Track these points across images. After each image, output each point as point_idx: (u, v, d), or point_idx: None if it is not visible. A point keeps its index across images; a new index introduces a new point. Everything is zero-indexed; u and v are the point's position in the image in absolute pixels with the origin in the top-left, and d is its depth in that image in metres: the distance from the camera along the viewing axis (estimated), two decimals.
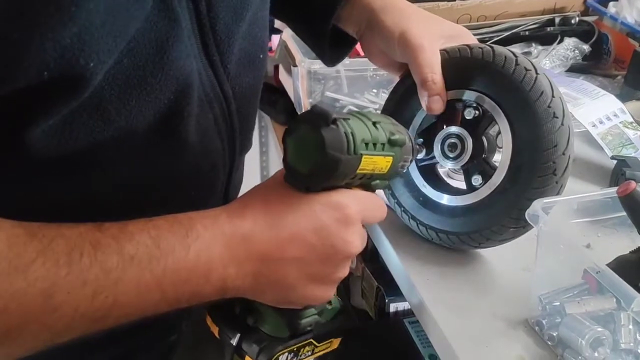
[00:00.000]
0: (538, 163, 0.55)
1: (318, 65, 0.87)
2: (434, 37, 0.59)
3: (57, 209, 0.44)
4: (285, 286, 0.45)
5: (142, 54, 0.42)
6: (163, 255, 0.39)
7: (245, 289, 0.44)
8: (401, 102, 0.65)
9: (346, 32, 0.67)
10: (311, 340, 0.53)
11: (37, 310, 0.36)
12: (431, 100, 0.58)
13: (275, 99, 1.55)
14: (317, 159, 0.42)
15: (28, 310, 0.36)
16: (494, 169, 0.60)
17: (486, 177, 0.60)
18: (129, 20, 0.39)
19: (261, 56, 0.58)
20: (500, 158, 0.58)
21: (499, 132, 0.59)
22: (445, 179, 0.68)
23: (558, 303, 0.54)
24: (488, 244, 0.60)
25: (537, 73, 0.56)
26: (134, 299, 0.39)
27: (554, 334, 0.53)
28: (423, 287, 0.60)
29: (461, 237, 0.61)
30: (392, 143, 0.48)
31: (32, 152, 0.41)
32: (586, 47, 1.08)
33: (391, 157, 0.48)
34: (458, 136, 0.62)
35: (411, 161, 0.53)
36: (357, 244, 0.46)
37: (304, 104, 0.92)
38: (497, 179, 0.58)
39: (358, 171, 0.45)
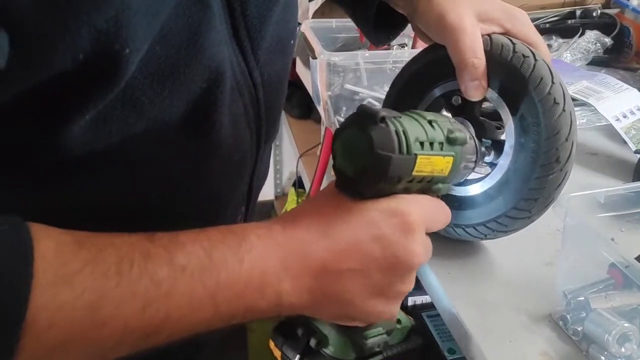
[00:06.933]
0: (541, 152, 0.54)
1: (337, 57, 0.87)
2: (477, 16, 0.56)
3: (88, 210, 0.44)
4: (344, 301, 0.41)
5: (174, 41, 0.41)
6: (215, 267, 0.37)
7: (302, 305, 0.41)
8: (399, 97, 0.64)
9: (396, 11, 0.65)
10: None
11: (85, 325, 0.34)
12: (471, 86, 0.55)
13: (290, 92, 1.54)
14: (367, 160, 0.39)
15: (75, 324, 0.33)
16: (500, 151, 0.58)
17: (492, 165, 0.59)
18: (162, 5, 0.38)
19: (292, 42, 0.56)
20: (504, 148, 0.57)
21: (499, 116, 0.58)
22: None
23: (583, 298, 0.54)
24: (494, 235, 0.59)
25: (535, 59, 0.55)
26: (186, 313, 0.37)
27: (579, 329, 0.52)
28: (445, 281, 0.60)
29: (467, 229, 0.60)
30: (450, 142, 0.44)
31: (67, 150, 0.40)
32: (608, 40, 1.06)
33: (451, 157, 0.44)
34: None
35: (476, 162, 0.50)
36: (421, 253, 0.42)
37: (323, 97, 0.92)
38: (501, 170, 0.58)
39: (414, 173, 0.41)
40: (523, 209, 0.56)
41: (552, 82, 0.54)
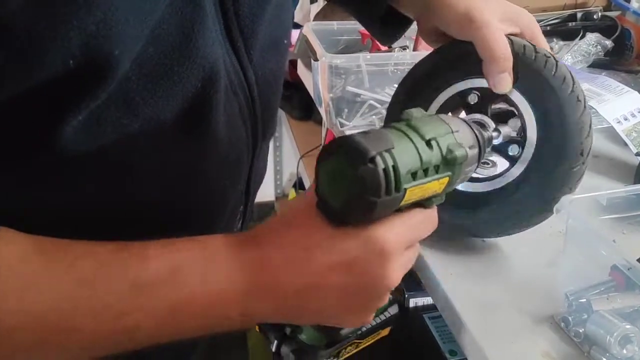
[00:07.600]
0: (567, 147, 0.56)
1: (339, 59, 0.87)
2: (497, 16, 0.58)
3: (85, 210, 0.44)
4: (318, 315, 0.43)
5: (167, 42, 0.41)
6: (179, 286, 0.39)
7: (274, 319, 0.43)
8: (409, 96, 0.64)
9: (401, 13, 0.66)
10: (354, 341, 0.51)
11: (53, 330, 0.35)
12: (500, 78, 0.56)
13: (290, 94, 1.55)
14: (351, 199, 0.38)
15: (43, 329, 0.35)
16: (521, 145, 0.59)
17: (512, 160, 0.60)
18: (153, 5, 0.39)
19: (285, 41, 0.57)
20: (526, 145, 0.59)
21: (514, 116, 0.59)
22: None
23: (584, 299, 0.54)
24: (514, 229, 0.60)
25: (556, 60, 0.57)
26: (156, 326, 0.39)
27: (581, 331, 0.53)
28: (447, 281, 0.60)
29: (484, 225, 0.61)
30: (448, 162, 0.41)
31: (61, 151, 0.40)
32: (608, 43, 1.07)
33: (447, 178, 0.42)
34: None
35: (477, 166, 0.48)
36: (396, 277, 0.42)
37: (324, 99, 0.92)
38: (520, 166, 0.59)
39: (402, 204, 0.40)
40: (548, 202, 0.57)
41: (574, 82, 0.57)
